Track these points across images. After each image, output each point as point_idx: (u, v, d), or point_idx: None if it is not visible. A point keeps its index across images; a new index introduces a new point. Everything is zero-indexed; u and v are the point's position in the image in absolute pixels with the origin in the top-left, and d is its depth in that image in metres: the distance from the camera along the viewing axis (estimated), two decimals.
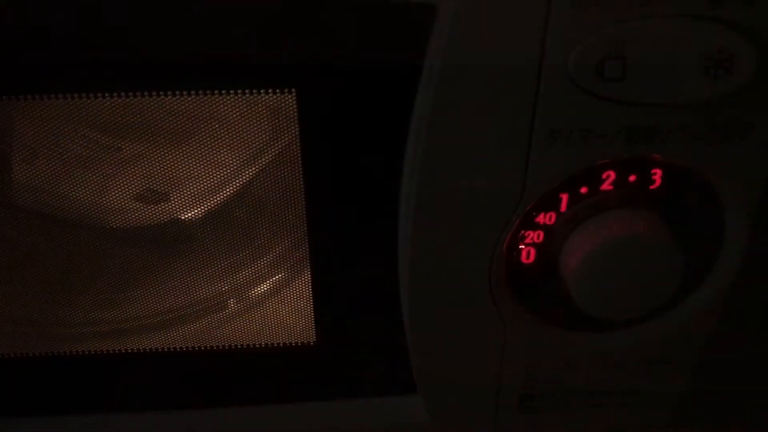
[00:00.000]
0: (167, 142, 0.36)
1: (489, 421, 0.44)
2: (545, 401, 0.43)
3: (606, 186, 0.36)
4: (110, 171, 0.37)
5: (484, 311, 0.38)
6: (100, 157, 0.37)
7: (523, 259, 0.38)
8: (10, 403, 0.45)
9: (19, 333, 0.44)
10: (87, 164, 0.38)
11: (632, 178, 0.35)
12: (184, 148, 0.36)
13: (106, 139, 0.37)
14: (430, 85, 0.32)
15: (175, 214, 0.39)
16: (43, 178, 0.38)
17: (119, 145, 0.37)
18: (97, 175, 0.38)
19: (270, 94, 0.34)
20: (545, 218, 0.36)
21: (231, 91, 0.34)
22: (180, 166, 0.36)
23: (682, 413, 0.46)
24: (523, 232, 0.37)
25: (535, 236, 0.37)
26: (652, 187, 0.36)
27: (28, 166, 0.39)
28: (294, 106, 0.34)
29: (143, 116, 0.35)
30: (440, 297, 0.38)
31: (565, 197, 0.36)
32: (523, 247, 0.37)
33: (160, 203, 0.38)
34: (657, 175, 0.36)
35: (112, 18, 0.32)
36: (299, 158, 0.36)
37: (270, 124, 0.35)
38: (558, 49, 0.31)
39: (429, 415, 0.44)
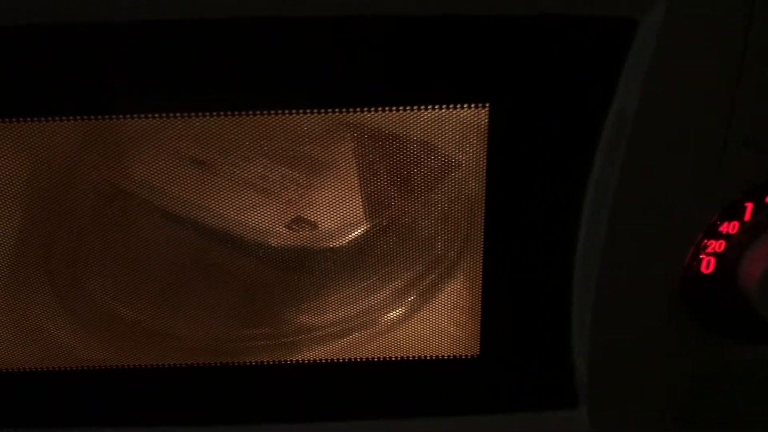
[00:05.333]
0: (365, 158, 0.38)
1: None
2: (710, 415, 0.43)
3: None
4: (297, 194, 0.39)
5: (662, 322, 0.39)
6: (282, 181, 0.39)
7: (703, 269, 0.38)
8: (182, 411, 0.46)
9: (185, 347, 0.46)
10: (266, 192, 0.40)
11: None
12: (374, 166, 0.38)
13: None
14: (630, 98, 0.33)
15: (358, 228, 0.40)
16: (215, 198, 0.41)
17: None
18: (278, 201, 0.40)
19: (464, 109, 0.35)
20: (728, 227, 0.37)
21: (428, 107, 0.35)
22: (373, 182, 0.38)
23: None
24: (705, 241, 0.37)
25: (717, 245, 0.37)
26: None
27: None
28: (485, 121, 0.36)
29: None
30: (621, 307, 0.38)
31: (750, 206, 0.36)
32: (703, 257, 0.38)
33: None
34: None
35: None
36: (484, 173, 0.37)
37: (459, 139, 0.37)
38: (761, 52, 0.32)
39: (592, 428, 0.44)
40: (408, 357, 0.44)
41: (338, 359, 0.44)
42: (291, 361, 0.44)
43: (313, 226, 0.42)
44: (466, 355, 0.44)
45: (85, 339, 0.45)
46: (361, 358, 0.44)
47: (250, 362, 0.44)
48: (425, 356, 0.44)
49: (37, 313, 0.44)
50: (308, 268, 0.43)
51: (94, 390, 0.45)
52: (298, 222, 0.42)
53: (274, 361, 0.44)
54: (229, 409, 0.46)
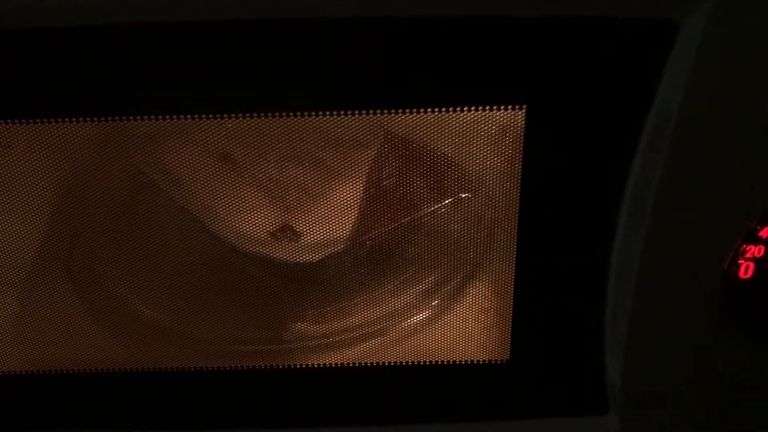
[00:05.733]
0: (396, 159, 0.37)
1: None
2: (744, 420, 0.43)
3: None
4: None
5: (699, 327, 0.38)
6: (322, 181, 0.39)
7: (741, 274, 0.37)
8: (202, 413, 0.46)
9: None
10: (271, 197, 0.40)
11: None
12: (411, 165, 0.37)
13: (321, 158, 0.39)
14: (671, 100, 0.33)
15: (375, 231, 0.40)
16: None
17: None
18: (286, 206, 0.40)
19: (501, 111, 0.35)
20: None
21: (465, 109, 0.35)
22: (411, 181, 0.37)
23: None
24: (744, 246, 0.37)
25: (756, 250, 0.37)
26: None
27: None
28: (522, 123, 0.35)
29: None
30: (659, 312, 0.38)
31: None
32: (742, 262, 0.37)
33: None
34: None
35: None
36: (519, 175, 0.37)
37: (494, 141, 0.36)
38: None
39: None
40: (436, 361, 0.44)
41: (364, 363, 0.44)
42: (314, 364, 0.44)
43: (324, 232, 0.41)
44: (496, 360, 0.43)
45: (102, 337, 0.45)
46: (387, 362, 0.44)
47: (274, 366, 0.44)
48: (454, 360, 0.44)
49: (56, 310, 0.44)
50: (330, 272, 0.43)
51: (107, 393, 0.45)
52: (299, 230, 0.41)
53: (297, 364, 0.44)
54: (252, 413, 0.46)
